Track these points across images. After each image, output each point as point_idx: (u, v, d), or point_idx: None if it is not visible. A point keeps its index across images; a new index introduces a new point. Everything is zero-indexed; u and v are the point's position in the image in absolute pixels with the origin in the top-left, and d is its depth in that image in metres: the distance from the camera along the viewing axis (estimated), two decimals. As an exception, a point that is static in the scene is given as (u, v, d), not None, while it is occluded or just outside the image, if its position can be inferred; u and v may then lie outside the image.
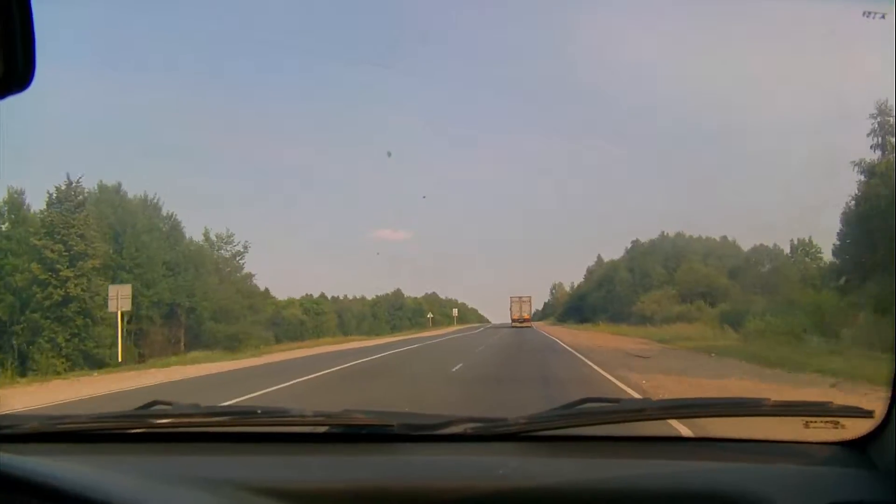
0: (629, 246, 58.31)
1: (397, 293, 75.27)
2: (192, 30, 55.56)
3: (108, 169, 66.37)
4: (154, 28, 58.17)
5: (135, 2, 45.11)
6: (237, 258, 46.66)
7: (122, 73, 57.74)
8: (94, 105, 57.42)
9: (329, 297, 67.67)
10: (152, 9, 50.61)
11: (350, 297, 70.09)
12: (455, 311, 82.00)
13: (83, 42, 56.75)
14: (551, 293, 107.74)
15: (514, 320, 61.42)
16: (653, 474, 1.66)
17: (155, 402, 2.07)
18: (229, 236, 45.21)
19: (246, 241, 46.29)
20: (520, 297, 62.44)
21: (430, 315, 70.32)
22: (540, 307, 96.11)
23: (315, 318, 66.95)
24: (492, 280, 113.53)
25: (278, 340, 50.62)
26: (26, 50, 0.92)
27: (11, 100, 0.93)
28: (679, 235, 51.57)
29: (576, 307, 66.35)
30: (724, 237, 49.64)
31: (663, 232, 53.10)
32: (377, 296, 72.66)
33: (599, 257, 74.15)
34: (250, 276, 48.44)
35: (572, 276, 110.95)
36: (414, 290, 77.26)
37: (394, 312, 74.66)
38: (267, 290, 56.14)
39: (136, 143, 60.85)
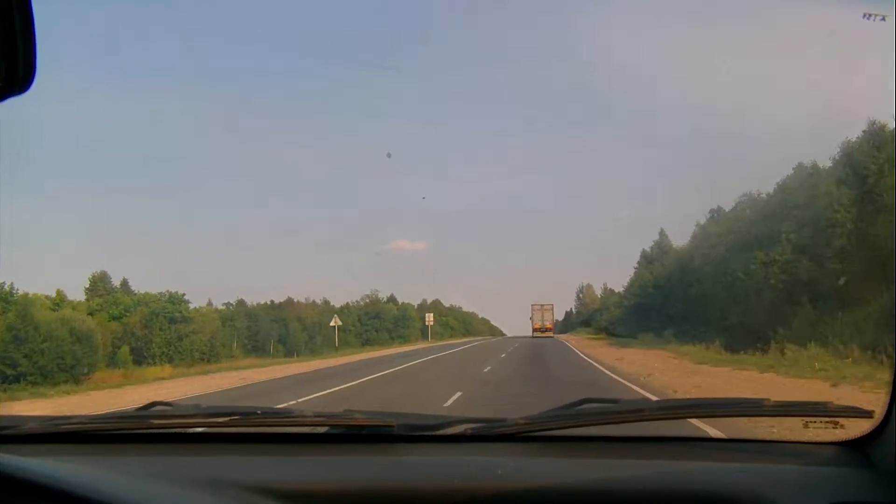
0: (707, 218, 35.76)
1: (386, 298, 61.32)
2: (191, 32, 54.38)
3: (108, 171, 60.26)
4: (152, 30, 58.69)
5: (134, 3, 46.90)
6: None
7: (120, 75, 59.02)
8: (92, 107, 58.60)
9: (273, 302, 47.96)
10: (149, 10, 51.56)
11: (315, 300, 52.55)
12: (430, 318, 53.60)
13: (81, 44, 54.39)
14: (578, 297, 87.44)
15: (535, 330, 56.40)
16: (652, 475, 1.65)
17: (155, 403, 2.07)
18: None
19: None
20: (541, 305, 57.41)
21: (335, 323, 40.06)
22: (560, 317, 79.21)
23: (169, 329, 38.78)
24: (505, 290, 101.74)
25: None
26: (27, 52, 0.93)
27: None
28: None
29: (644, 308, 35.54)
30: None
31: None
32: (352, 301, 57.01)
33: (661, 234, 51.49)
34: None
35: (599, 282, 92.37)
36: (418, 297, 66.16)
37: (368, 322, 58.95)
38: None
39: (133, 146, 60.91)
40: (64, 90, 44.43)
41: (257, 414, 1.99)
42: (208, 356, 39.62)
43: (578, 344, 35.22)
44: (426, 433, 1.86)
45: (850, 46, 33.89)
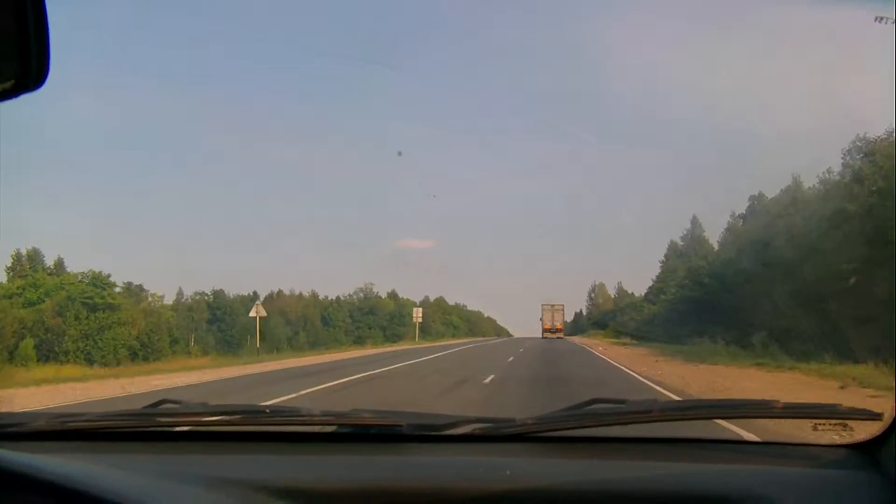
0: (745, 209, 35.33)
1: (385, 294, 60.98)
2: (198, 31, 47.46)
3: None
4: (158, 28, 57.00)
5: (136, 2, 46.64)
6: None
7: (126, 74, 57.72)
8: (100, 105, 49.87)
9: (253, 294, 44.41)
10: (151, 9, 52.07)
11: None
12: (418, 314, 46.18)
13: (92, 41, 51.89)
14: (590, 297, 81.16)
15: (545, 330, 55.96)
16: (660, 475, 1.66)
17: (163, 401, 2.08)
18: None
19: None
20: (552, 305, 57.34)
21: (255, 313, 28.91)
22: (569, 318, 73.74)
23: (88, 318, 31.12)
24: (513, 290, 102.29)
25: None
26: (40, 48, 0.95)
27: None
28: None
29: (695, 305, 27.58)
30: None
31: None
32: (345, 295, 55.87)
33: (693, 222, 48.27)
34: None
35: (611, 282, 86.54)
36: (421, 294, 65.37)
37: (360, 318, 57.78)
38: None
39: (138, 143, 57.69)
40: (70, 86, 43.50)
41: (265, 412, 2.06)
42: (142, 353, 31.83)
43: (609, 352, 26.09)
44: (434, 433, 1.88)
45: (850, 47, 37.07)
